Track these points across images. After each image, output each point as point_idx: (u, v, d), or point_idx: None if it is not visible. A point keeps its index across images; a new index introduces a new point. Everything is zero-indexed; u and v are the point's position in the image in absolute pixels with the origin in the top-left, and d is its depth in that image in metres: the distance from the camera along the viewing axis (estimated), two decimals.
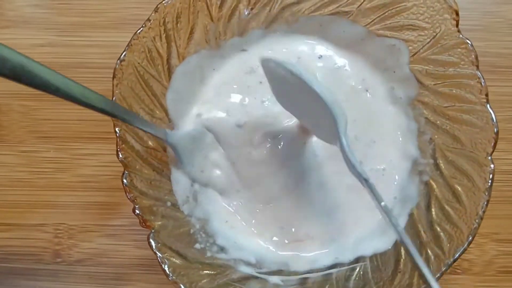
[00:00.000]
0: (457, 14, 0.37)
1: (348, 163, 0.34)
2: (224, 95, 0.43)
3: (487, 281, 0.44)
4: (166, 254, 0.36)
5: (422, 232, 0.38)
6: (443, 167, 0.39)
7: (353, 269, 0.39)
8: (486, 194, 0.35)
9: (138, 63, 0.38)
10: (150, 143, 0.40)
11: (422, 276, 0.29)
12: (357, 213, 0.41)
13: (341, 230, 0.41)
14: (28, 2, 0.52)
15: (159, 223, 0.37)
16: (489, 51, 0.49)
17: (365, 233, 0.41)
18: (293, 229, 0.42)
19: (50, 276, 0.46)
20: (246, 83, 0.43)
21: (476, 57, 0.37)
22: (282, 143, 0.42)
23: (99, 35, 0.51)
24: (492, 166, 0.35)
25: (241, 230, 0.42)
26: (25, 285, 0.46)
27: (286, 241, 0.42)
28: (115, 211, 0.47)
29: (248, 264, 0.40)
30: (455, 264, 0.44)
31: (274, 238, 0.42)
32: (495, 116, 0.36)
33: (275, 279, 0.39)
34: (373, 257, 0.39)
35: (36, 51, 0.50)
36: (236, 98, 0.43)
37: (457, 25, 0.37)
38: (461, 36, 0.37)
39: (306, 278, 0.39)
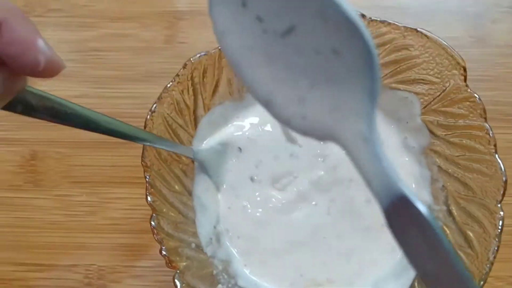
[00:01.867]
0: (464, 70, 0.39)
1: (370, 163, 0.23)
2: None
3: None
4: None
5: None
6: (455, 213, 0.40)
7: None
8: (497, 240, 0.36)
9: (168, 113, 0.41)
10: (176, 187, 0.42)
11: None
12: (374, 256, 0.43)
13: (359, 273, 0.43)
14: (64, 56, 0.56)
15: (184, 263, 0.39)
16: (500, 100, 0.51)
17: (383, 275, 0.42)
18: (312, 276, 0.43)
19: None
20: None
21: (484, 110, 0.39)
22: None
23: (130, 87, 0.55)
24: (501, 213, 0.37)
25: (259, 276, 0.44)
26: None
27: (306, 286, 0.43)
28: (142, 253, 0.49)
29: None
30: None
31: (294, 284, 0.43)
32: (503, 165, 0.38)
33: None
34: None
35: (71, 100, 0.54)
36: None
37: (465, 80, 0.40)
38: (469, 90, 0.39)
39: None
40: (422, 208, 0.22)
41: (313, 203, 0.45)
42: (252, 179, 0.46)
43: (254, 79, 0.24)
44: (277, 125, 0.45)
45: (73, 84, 0.55)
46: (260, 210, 0.45)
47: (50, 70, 0.24)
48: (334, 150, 0.45)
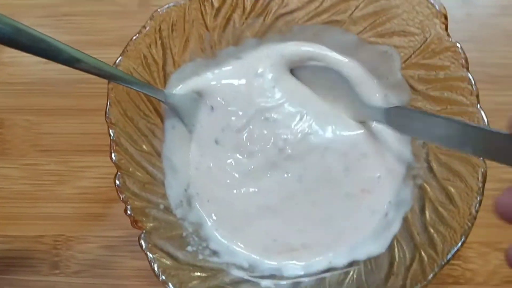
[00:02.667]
0: (445, 18, 0.37)
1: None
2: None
3: None
4: (156, 255, 0.36)
5: (416, 234, 0.37)
6: (436, 170, 0.38)
7: (347, 273, 0.38)
8: (479, 194, 0.35)
9: (134, 68, 0.39)
10: (144, 147, 0.40)
11: None
12: (353, 221, 0.41)
13: (338, 238, 0.41)
14: (36, 22, 0.54)
15: (151, 224, 0.37)
16: (487, 61, 0.49)
17: (361, 239, 0.40)
18: (286, 241, 0.42)
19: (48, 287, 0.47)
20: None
21: (466, 60, 0.37)
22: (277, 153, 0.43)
23: (104, 52, 0.52)
24: (484, 165, 0.35)
25: (231, 239, 0.42)
26: None
27: (279, 252, 0.41)
28: (113, 223, 0.48)
29: (241, 268, 0.39)
30: (458, 274, 0.43)
31: (268, 248, 0.41)
32: (486, 116, 0.36)
33: (267, 282, 0.38)
34: (367, 261, 0.39)
35: (39, 68, 0.52)
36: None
37: (446, 29, 0.38)
38: (450, 39, 0.37)
39: (299, 282, 0.39)
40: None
41: (284, 171, 0.43)
42: (216, 142, 0.44)
43: None
44: (252, 87, 0.44)
45: None
46: (227, 174, 0.44)
47: None
48: (307, 124, 0.43)
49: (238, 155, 0.44)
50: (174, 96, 0.41)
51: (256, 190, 0.43)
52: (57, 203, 0.49)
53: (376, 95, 0.43)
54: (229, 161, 0.44)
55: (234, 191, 0.43)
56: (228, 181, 0.43)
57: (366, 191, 0.42)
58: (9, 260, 0.48)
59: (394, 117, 0.38)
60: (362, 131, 0.42)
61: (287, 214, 0.42)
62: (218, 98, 0.44)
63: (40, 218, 0.48)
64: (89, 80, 0.37)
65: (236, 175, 0.43)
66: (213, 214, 0.43)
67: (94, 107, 0.47)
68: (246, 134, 0.44)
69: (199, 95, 0.44)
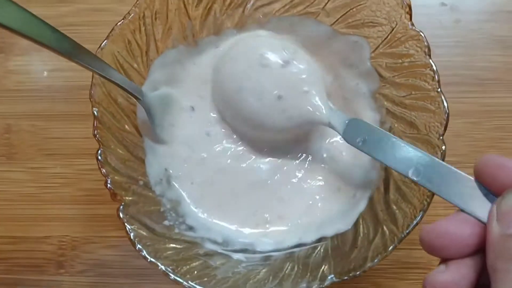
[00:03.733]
0: (410, 8, 0.40)
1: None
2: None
3: None
4: (134, 226, 0.38)
5: (380, 211, 0.39)
6: None
7: (315, 247, 0.40)
8: None
9: (118, 51, 0.41)
10: (126, 126, 0.42)
11: None
12: (323, 196, 0.43)
13: (308, 213, 0.43)
14: None
15: (130, 198, 0.39)
16: (474, 65, 0.52)
17: (329, 216, 0.43)
18: (266, 214, 0.44)
19: (54, 287, 0.48)
20: None
21: (429, 47, 0.39)
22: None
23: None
24: (443, 147, 0.37)
25: (211, 216, 0.44)
26: None
27: (256, 225, 0.43)
28: (117, 223, 0.48)
29: (215, 242, 0.41)
30: None
31: (245, 222, 0.44)
32: (445, 100, 0.38)
33: (239, 255, 0.40)
34: (334, 237, 0.41)
35: (46, 75, 0.55)
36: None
37: (410, 18, 0.40)
38: (414, 28, 0.40)
39: (269, 256, 0.41)
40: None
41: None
42: (208, 134, 0.46)
43: None
44: None
45: (48, 58, 0.55)
46: (219, 159, 0.46)
47: None
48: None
49: (229, 141, 0.46)
50: (150, 96, 0.43)
51: (248, 169, 0.45)
52: (62, 205, 0.50)
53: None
54: (223, 147, 0.46)
55: (225, 174, 0.45)
56: (220, 165, 0.45)
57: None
58: (15, 260, 0.49)
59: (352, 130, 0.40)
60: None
61: (274, 186, 0.45)
62: (196, 99, 0.46)
63: (45, 219, 0.50)
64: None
65: (230, 158, 0.46)
66: (194, 194, 0.45)
67: None
68: (234, 120, 0.46)
69: (173, 99, 0.46)
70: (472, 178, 0.29)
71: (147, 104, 0.42)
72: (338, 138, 0.45)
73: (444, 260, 0.28)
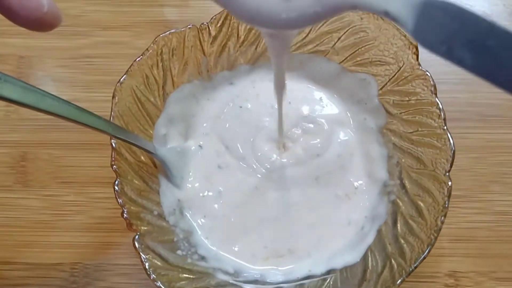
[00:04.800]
0: (416, 48, 0.42)
1: None
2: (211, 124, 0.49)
3: None
4: (149, 256, 0.39)
5: (388, 244, 0.40)
6: (408, 186, 0.42)
7: (324, 279, 0.41)
8: (445, 207, 0.38)
9: (136, 86, 0.43)
10: (142, 158, 0.44)
11: None
12: (333, 229, 0.44)
13: (318, 245, 0.44)
14: (57, 63, 0.58)
15: (145, 228, 0.40)
16: (478, 101, 0.53)
17: (339, 248, 0.44)
18: (276, 247, 0.45)
19: None
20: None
21: (435, 87, 0.41)
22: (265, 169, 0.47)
23: None
24: (450, 183, 0.39)
25: (221, 248, 0.45)
26: None
27: (266, 258, 0.44)
28: (129, 251, 0.49)
29: (226, 273, 0.42)
30: None
31: (255, 255, 0.44)
32: (451, 137, 0.40)
33: (250, 286, 0.41)
34: (343, 270, 0.42)
35: None
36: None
37: (417, 59, 0.42)
38: (421, 68, 0.42)
39: (279, 287, 0.42)
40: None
41: (286, 182, 0.46)
42: (219, 167, 0.47)
43: None
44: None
45: (64, 89, 0.57)
46: (232, 193, 0.47)
47: (52, 17, 0.26)
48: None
49: (241, 173, 0.47)
50: (162, 149, 0.45)
51: (260, 204, 0.46)
52: (75, 232, 0.51)
53: None
54: (232, 181, 0.47)
55: (237, 208, 0.46)
56: (232, 200, 0.46)
57: (348, 197, 0.45)
58: (28, 286, 0.49)
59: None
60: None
61: (285, 222, 0.45)
62: (203, 137, 0.48)
63: (58, 246, 0.50)
64: (105, 116, 0.41)
65: (241, 194, 0.47)
66: (205, 226, 0.46)
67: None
68: (243, 155, 0.48)
69: (183, 148, 0.47)
70: None
71: (162, 158, 0.44)
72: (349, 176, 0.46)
73: None
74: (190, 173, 0.47)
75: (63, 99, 0.33)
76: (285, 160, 0.47)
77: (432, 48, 0.21)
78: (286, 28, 0.26)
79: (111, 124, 0.39)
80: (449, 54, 0.20)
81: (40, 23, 0.26)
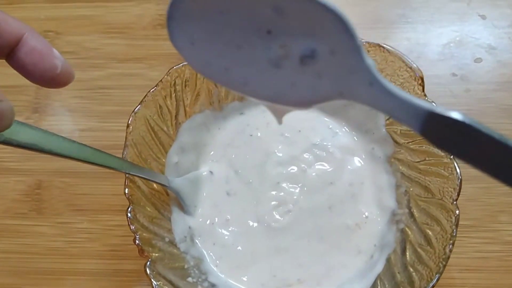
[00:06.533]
0: (422, 80, 0.43)
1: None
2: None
3: None
4: (160, 282, 0.39)
5: (397, 273, 0.41)
6: (416, 215, 0.43)
7: None
8: (453, 236, 0.38)
9: (150, 116, 0.45)
10: (155, 186, 0.45)
11: None
12: (343, 258, 0.45)
13: (328, 274, 0.44)
14: (73, 94, 0.60)
15: (156, 254, 0.41)
16: None
17: (348, 277, 0.44)
18: (285, 277, 0.45)
19: None
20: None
21: None
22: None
23: None
24: (457, 211, 0.39)
25: (230, 276, 0.45)
26: None
27: (276, 287, 0.45)
28: (141, 278, 0.50)
29: None
30: None
31: (264, 284, 0.45)
32: (458, 166, 0.40)
33: None
34: None
35: (77, 135, 0.58)
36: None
37: (423, 90, 0.43)
38: (427, 99, 0.43)
39: None
40: (454, 114, 0.21)
41: (299, 212, 0.47)
42: (228, 194, 0.48)
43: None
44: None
45: (80, 119, 0.59)
46: (241, 222, 0.47)
47: (65, 76, 0.27)
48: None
49: (250, 204, 0.48)
50: (175, 180, 0.46)
51: (269, 234, 0.46)
52: (88, 259, 0.52)
53: None
54: (241, 210, 0.48)
55: (246, 237, 0.47)
56: (241, 228, 0.47)
57: (358, 226, 0.46)
58: None
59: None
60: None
61: (295, 251, 0.46)
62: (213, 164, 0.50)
63: (72, 273, 0.51)
64: (119, 146, 0.43)
65: (250, 223, 0.47)
66: (215, 253, 0.46)
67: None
68: (252, 183, 0.48)
69: (196, 177, 0.49)
70: None
71: (175, 189, 0.45)
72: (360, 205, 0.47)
73: None
74: (201, 200, 0.48)
75: (77, 142, 0.35)
76: (298, 190, 0.47)
77: (443, 150, 0.23)
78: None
79: (126, 162, 0.41)
80: (459, 157, 0.23)
81: (53, 82, 0.27)
